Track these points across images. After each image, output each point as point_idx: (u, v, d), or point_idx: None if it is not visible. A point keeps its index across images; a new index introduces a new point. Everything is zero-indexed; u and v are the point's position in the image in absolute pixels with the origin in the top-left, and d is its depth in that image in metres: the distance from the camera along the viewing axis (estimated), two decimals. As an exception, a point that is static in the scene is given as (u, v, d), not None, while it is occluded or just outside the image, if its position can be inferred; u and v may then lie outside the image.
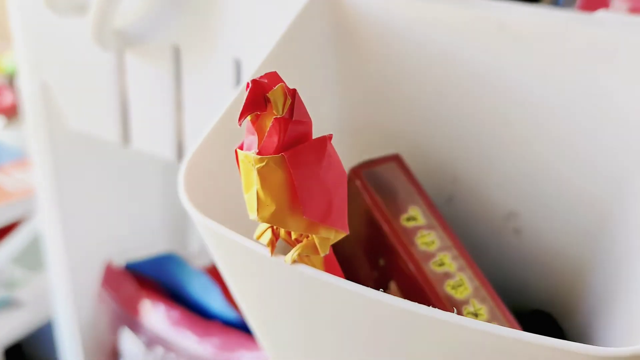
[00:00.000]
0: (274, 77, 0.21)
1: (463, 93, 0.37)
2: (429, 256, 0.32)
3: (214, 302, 0.62)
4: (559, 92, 0.34)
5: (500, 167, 0.38)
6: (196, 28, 0.44)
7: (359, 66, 0.38)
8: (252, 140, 0.22)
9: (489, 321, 0.31)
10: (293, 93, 0.21)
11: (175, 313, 0.62)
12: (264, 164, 0.21)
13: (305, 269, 0.23)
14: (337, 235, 0.24)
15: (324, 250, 0.24)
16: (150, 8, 0.45)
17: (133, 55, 0.47)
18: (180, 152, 0.49)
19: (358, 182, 0.35)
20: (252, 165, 0.22)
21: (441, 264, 0.32)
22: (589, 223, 0.37)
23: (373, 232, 0.34)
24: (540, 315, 0.40)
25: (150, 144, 0.50)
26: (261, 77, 0.21)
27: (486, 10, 0.33)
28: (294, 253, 0.24)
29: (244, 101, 0.21)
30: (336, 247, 0.38)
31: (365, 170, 0.35)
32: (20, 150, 0.84)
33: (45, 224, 0.61)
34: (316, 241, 0.24)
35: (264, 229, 0.24)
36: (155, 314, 0.63)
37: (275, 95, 0.21)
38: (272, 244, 0.24)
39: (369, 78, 0.38)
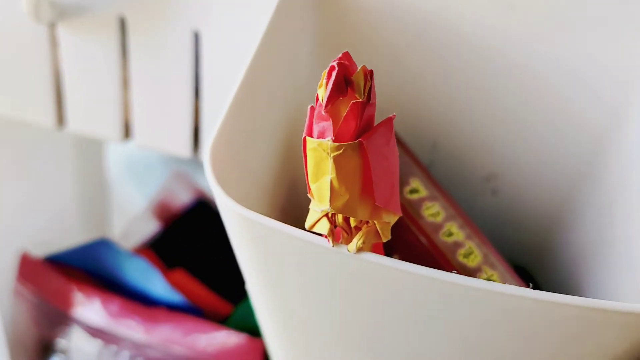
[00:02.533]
0: (349, 58, 0.20)
1: (442, 61, 0.36)
2: (437, 227, 0.33)
3: (155, 287, 0.59)
4: (537, 59, 0.35)
5: (479, 131, 0.38)
6: (146, -3, 0.40)
7: (343, 38, 0.36)
8: (326, 126, 0.20)
9: (502, 286, 0.32)
10: (371, 74, 0.20)
11: (114, 303, 0.58)
12: (341, 151, 0.20)
13: (371, 257, 0.23)
14: (394, 218, 0.23)
15: (387, 236, 0.23)
16: (89, -25, 0.40)
17: (69, 28, 0.42)
18: (127, 133, 0.46)
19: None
20: (327, 153, 0.20)
21: (450, 234, 0.33)
22: (564, 183, 0.38)
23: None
24: (517, 270, 0.42)
25: (90, 126, 0.46)
26: (340, 58, 0.19)
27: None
28: (357, 241, 0.23)
29: (329, 86, 0.19)
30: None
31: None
32: None
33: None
34: (378, 227, 0.23)
35: (318, 217, 0.23)
36: (90, 307, 0.59)
37: (359, 78, 0.19)
38: (332, 233, 0.23)
39: (353, 49, 0.37)
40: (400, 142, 0.35)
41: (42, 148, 0.62)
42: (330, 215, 0.23)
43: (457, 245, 0.32)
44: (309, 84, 0.37)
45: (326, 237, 0.23)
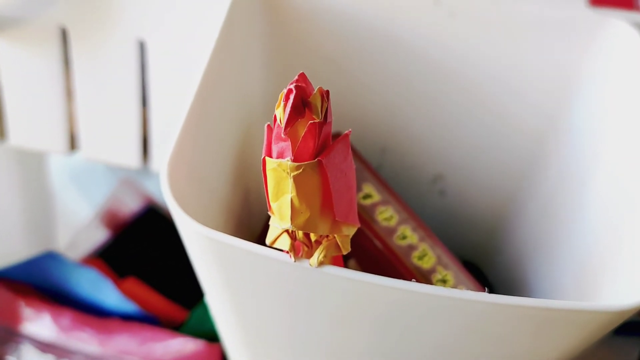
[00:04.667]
0: (305, 80, 0.20)
1: (393, 66, 0.37)
2: (392, 231, 0.33)
3: (107, 297, 0.58)
4: (474, 68, 0.36)
5: (428, 133, 0.39)
6: (88, 6, 0.39)
7: (292, 48, 0.37)
8: (284, 146, 0.20)
9: (456, 285, 0.33)
10: (327, 95, 0.20)
11: (65, 316, 0.57)
12: (300, 171, 0.20)
13: (332, 270, 0.23)
14: (353, 230, 0.24)
15: (347, 248, 0.23)
16: (27, -15, 0.39)
17: (7, 39, 0.41)
18: (72, 145, 0.45)
19: (308, 165, 0.34)
20: (287, 173, 0.20)
21: (404, 237, 0.33)
22: (507, 183, 0.40)
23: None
24: (466, 265, 0.44)
25: (33, 139, 0.45)
26: (297, 80, 0.20)
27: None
28: (319, 255, 0.23)
29: (287, 108, 0.19)
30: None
31: (313, 152, 0.35)
32: None
33: None
34: (338, 240, 0.23)
35: (278, 233, 0.23)
36: (40, 322, 0.57)
37: (316, 99, 0.20)
38: (293, 248, 0.23)
39: (302, 58, 0.37)
40: (351, 149, 0.36)
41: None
42: (290, 231, 0.23)
43: (412, 248, 0.33)
44: (260, 94, 0.37)
45: (287, 252, 0.23)
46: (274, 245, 0.23)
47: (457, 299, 0.22)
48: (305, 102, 0.20)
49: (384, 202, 0.34)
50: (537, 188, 0.38)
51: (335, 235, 0.23)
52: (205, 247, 0.24)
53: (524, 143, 0.38)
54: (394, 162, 0.41)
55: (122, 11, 0.39)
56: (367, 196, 0.34)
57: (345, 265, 0.35)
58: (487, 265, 0.43)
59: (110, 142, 0.44)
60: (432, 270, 0.33)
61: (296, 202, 0.21)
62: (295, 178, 0.20)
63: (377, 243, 0.33)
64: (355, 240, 0.34)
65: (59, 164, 0.72)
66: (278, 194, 0.21)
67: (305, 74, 0.38)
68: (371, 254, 0.33)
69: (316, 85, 0.39)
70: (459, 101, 0.37)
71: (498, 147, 0.39)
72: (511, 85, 0.36)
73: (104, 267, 0.62)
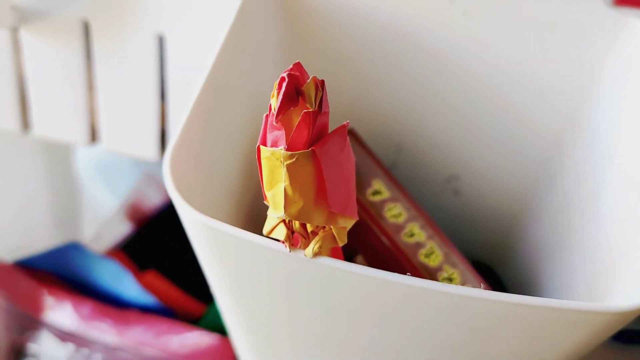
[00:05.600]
0: (300, 69, 0.20)
1: (409, 63, 0.37)
2: (399, 228, 0.33)
3: (127, 289, 0.59)
4: (501, 61, 0.36)
5: (443, 133, 0.39)
6: (109, 1, 0.40)
7: (306, 40, 0.37)
8: (279, 135, 0.21)
9: (462, 284, 0.32)
10: (323, 84, 0.20)
11: (85, 306, 0.58)
12: (294, 160, 0.20)
13: (328, 261, 0.23)
14: (351, 222, 0.24)
15: (343, 240, 0.23)
16: (51, -21, 0.40)
17: (32, 33, 0.42)
18: (93, 137, 0.46)
19: (318, 160, 0.34)
20: (281, 161, 0.21)
21: (411, 235, 0.33)
22: (522, 184, 0.39)
23: (337, 208, 0.34)
24: (479, 266, 0.43)
25: (55, 130, 0.46)
26: (291, 69, 0.20)
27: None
28: (314, 246, 0.23)
29: (280, 97, 0.19)
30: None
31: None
32: None
33: None
34: (334, 231, 0.23)
35: (275, 224, 0.24)
36: (61, 311, 0.58)
37: (310, 88, 0.20)
38: (289, 239, 0.23)
39: (317, 55, 0.37)
40: (362, 145, 0.36)
41: (10, 152, 0.61)
42: (287, 221, 0.23)
43: (419, 245, 0.33)
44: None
45: (283, 242, 0.23)
46: (271, 235, 0.24)
47: (447, 294, 0.22)
48: (299, 91, 0.20)
49: (393, 199, 0.34)
50: (552, 190, 0.38)
51: (332, 227, 0.23)
52: (203, 235, 0.25)
53: (540, 145, 0.37)
54: (408, 161, 0.40)
55: (142, 6, 0.40)
56: (376, 192, 0.34)
57: (353, 261, 0.35)
58: (501, 267, 0.43)
59: (130, 135, 0.44)
60: (439, 269, 0.32)
61: (289, 191, 0.21)
62: (288, 167, 0.21)
63: (384, 239, 0.33)
64: (362, 236, 0.34)
65: (85, 157, 0.74)
66: (272, 182, 0.21)
67: (320, 71, 0.38)
68: (378, 250, 0.33)
69: (330, 83, 0.39)
70: (473, 101, 0.37)
71: (513, 149, 0.38)
72: (527, 86, 0.36)
73: (126, 260, 0.63)
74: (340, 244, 0.23)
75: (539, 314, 0.23)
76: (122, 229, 0.68)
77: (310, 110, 0.20)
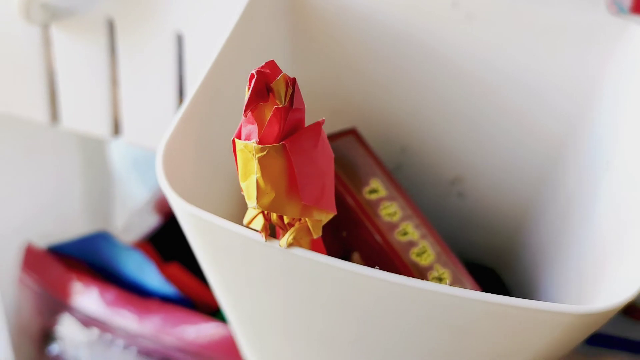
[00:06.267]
0: (273, 67, 0.21)
1: (414, 66, 0.38)
2: (393, 226, 0.34)
3: (149, 279, 0.61)
4: (507, 60, 0.36)
5: (447, 135, 0.40)
6: (133, 0, 0.42)
7: (313, 42, 0.38)
8: (252, 129, 0.22)
9: (452, 284, 0.33)
10: (293, 82, 0.21)
11: (110, 293, 0.60)
12: (265, 153, 0.22)
13: (300, 252, 0.24)
14: (327, 216, 0.25)
15: (317, 233, 0.24)
16: (79, -21, 0.42)
17: (61, 29, 0.44)
18: (116, 129, 0.48)
19: (319, 158, 0.35)
20: (253, 154, 0.22)
21: (405, 233, 0.34)
22: (525, 188, 0.39)
23: (336, 205, 0.35)
24: (483, 270, 0.43)
25: (82, 123, 0.48)
26: (263, 66, 0.21)
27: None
28: (289, 237, 0.24)
29: (249, 92, 0.20)
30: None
31: (325, 146, 0.36)
32: None
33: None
34: (309, 224, 0.24)
35: (255, 214, 0.25)
36: (88, 296, 0.61)
37: (279, 85, 0.21)
38: (265, 229, 0.24)
39: (322, 53, 0.38)
40: (364, 145, 0.37)
41: (48, 142, 0.64)
42: (266, 213, 0.25)
43: (411, 244, 0.34)
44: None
45: (260, 232, 0.24)
46: (250, 226, 0.25)
47: (414, 288, 0.22)
48: (269, 88, 0.21)
49: (389, 198, 0.35)
50: (555, 194, 0.38)
51: (307, 219, 0.24)
52: (190, 224, 0.26)
53: (543, 148, 0.37)
54: (413, 162, 0.41)
55: (163, 6, 0.41)
56: (373, 191, 0.35)
57: (350, 258, 0.36)
58: (505, 270, 0.43)
59: (150, 129, 0.46)
60: (429, 268, 0.33)
61: (261, 182, 0.22)
62: (260, 160, 0.22)
63: (377, 237, 0.33)
64: (358, 233, 0.35)
65: (120, 150, 0.76)
66: (246, 174, 0.22)
67: (326, 72, 0.39)
68: (372, 248, 0.34)
69: (336, 83, 0.40)
70: (477, 104, 0.37)
71: (517, 152, 0.38)
72: (531, 89, 0.36)
73: (151, 251, 0.65)
74: (315, 236, 0.24)
75: (507, 312, 0.23)
76: (151, 222, 0.70)
77: (280, 106, 0.21)
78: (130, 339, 0.59)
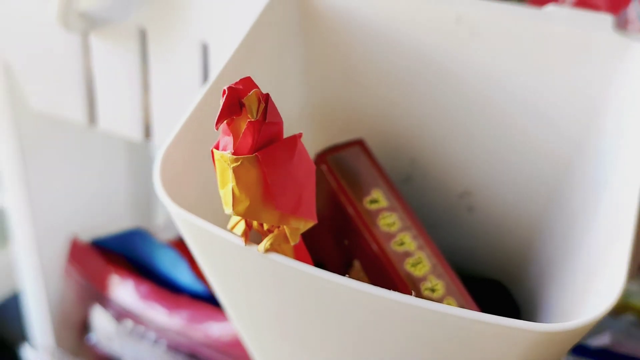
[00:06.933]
0: (248, 83, 0.23)
1: (422, 80, 0.38)
2: (390, 236, 0.35)
3: (181, 275, 0.64)
4: (511, 78, 0.36)
5: (457, 149, 0.40)
6: (163, 11, 0.44)
7: (323, 55, 0.39)
8: (228, 141, 0.23)
9: (444, 295, 0.34)
10: (266, 98, 0.23)
11: (144, 287, 0.63)
12: (239, 163, 0.23)
13: (275, 257, 0.25)
14: (306, 224, 0.26)
15: (294, 240, 0.26)
16: (114, -9, 0.45)
17: (99, 37, 0.47)
18: (146, 133, 0.50)
19: (324, 167, 0.37)
20: (228, 164, 0.23)
21: (401, 244, 0.35)
22: (535, 203, 0.39)
23: (338, 214, 0.36)
24: (492, 284, 0.43)
25: (116, 125, 0.51)
26: (236, 83, 0.22)
27: (444, 2, 0.35)
28: (266, 242, 0.26)
29: (220, 107, 0.22)
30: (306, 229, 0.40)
31: (331, 156, 0.37)
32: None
33: (10, 199, 0.62)
34: (287, 231, 0.26)
35: (238, 220, 0.26)
36: (124, 289, 0.64)
37: (250, 100, 0.22)
38: (245, 234, 0.26)
39: (333, 66, 0.39)
40: (370, 157, 0.38)
41: (99, 146, 0.68)
42: (248, 219, 0.26)
43: (407, 254, 0.34)
44: (298, 101, 0.40)
45: (241, 237, 0.26)
46: (233, 231, 0.26)
47: (376, 296, 0.23)
48: (241, 103, 0.22)
49: (389, 209, 0.36)
50: (562, 211, 0.38)
51: (285, 227, 0.26)
52: (184, 228, 0.28)
53: (549, 167, 0.37)
54: (423, 173, 0.42)
55: (189, 17, 0.44)
56: (374, 201, 0.36)
57: (351, 266, 0.37)
58: (515, 285, 0.43)
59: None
60: (423, 279, 0.34)
61: (236, 191, 0.24)
62: (234, 169, 0.23)
63: (374, 246, 0.34)
64: (358, 242, 0.36)
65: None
66: (223, 182, 0.24)
67: (339, 84, 0.41)
68: (369, 256, 0.35)
69: (346, 96, 0.41)
70: (483, 122, 0.38)
71: (524, 169, 0.38)
72: (534, 108, 0.36)
73: (185, 250, 0.68)
74: (292, 243, 0.26)
75: (465, 325, 0.24)
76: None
77: (254, 120, 0.23)
78: (161, 332, 0.62)
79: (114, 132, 0.51)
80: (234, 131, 0.23)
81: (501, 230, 0.41)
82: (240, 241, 0.26)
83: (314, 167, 0.26)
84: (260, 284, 0.27)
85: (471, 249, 0.42)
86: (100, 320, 0.64)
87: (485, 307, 0.36)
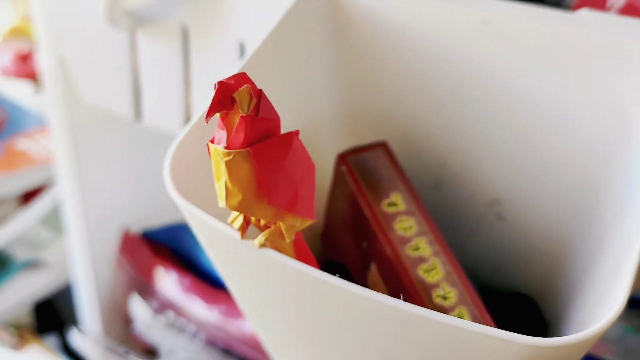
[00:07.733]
0: (241, 78, 0.23)
1: (451, 84, 0.38)
2: (406, 240, 0.34)
3: (222, 271, 0.65)
4: (540, 86, 0.35)
5: (486, 156, 0.39)
6: (204, 11, 0.45)
7: (353, 57, 0.39)
8: (222, 135, 0.24)
9: (456, 304, 0.33)
10: (259, 93, 0.23)
11: (186, 280, 0.65)
12: (231, 157, 0.23)
13: (269, 252, 0.25)
14: (303, 222, 0.26)
15: (290, 237, 0.26)
16: (160, -10, 0.46)
17: (144, 35, 0.49)
18: (188, 129, 0.52)
19: (344, 168, 0.36)
20: (221, 158, 0.24)
21: (416, 249, 0.34)
22: (567, 214, 0.38)
23: (357, 215, 0.36)
24: (520, 297, 0.42)
25: (160, 120, 0.52)
26: (228, 78, 0.23)
27: (471, 5, 0.34)
28: (261, 238, 0.26)
29: (210, 102, 0.22)
30: (327, 228, 0.40)
31: (352, 157, 0.37)
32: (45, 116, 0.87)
33: (64, 192, 0.64)
34: (282, 228, 0.26)
35: (237, 214, 0.27)
36: (167, 281, 0.66)
37: (241, 95, 0.23)
38: (242, 228, 0.26)
39: (363, 68, 0.39)
40: (392, 159, 0.37)
41: (152, 141, 0.70)
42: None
43: (421, 260, 0.34)
44: (327, 100, 0.40)
45: (238, 230, 0.26)
46: (232, 225, 0.27)
47: (362, 297, 0.23)
48: (233, 98, 0.23)
49: (407, 213, 0.35)
50: (592, 224, 0.36)
51: (281, 223, 0.26)
52: (189, 219, 0.29)
53: (578, 182, 0.36)
54: (453, 180, 0.41)
55: (228, 17, 0.44)
56: (392, 204, 0.35)
57: (368, 268, 0.37)
58: (545, 300, 0.41)
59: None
60: (435, 285, 0.33)
61: (229, 184, 0.24)
62: (227, 163, 0.23)
63: (388, 249, 0.34)
64: (374, 244, 0.35)
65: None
66: (218, 176, 0.24)
67: (369, 86, 0.40)
68: (384, 260, 0.35)
69: (378, 100, 0.40)
70: (508, 131, 0.37)
71: (554, 180, 0.37)
72: (564, 120, 0.35)
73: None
74: (288, 240, 0.26)
75: (460, 335, 0.23)
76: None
77: (246, 115, 0.23)
78: (200, 325, 0.63)
79: (158, 126, 0.53)
80: (227, 125, 0.23)
81: (531, 242, 0.40)
82: (237, 235, 0.26)
83: (313, 165, 0.26)
84: (257, 279, 0.27)
85: (501, 260, 0.41)
86: (139, 310, 0.66)
87: (511, 321, 0.35)
